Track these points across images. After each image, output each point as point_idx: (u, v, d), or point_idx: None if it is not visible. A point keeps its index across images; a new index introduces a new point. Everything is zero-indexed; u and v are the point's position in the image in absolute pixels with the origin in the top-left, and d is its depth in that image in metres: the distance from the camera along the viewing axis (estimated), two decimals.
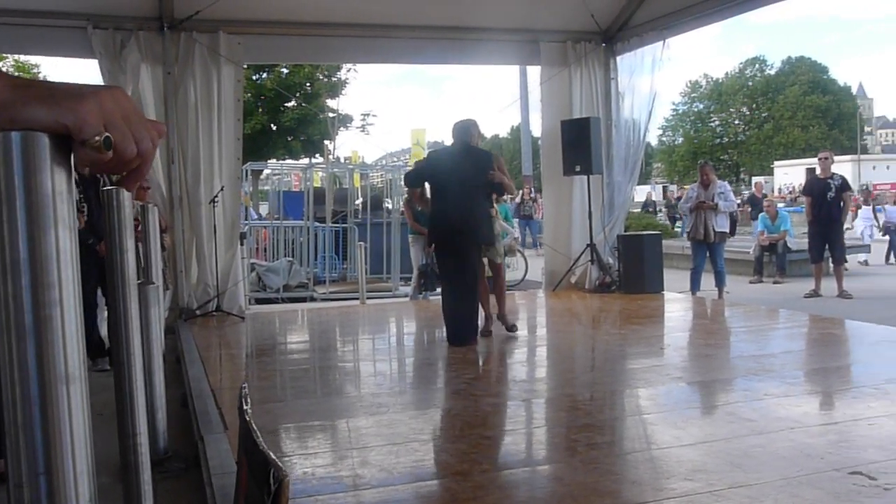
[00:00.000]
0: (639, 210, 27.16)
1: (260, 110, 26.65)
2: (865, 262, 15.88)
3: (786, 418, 4.19)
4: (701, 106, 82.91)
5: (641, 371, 5.77)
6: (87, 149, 0.73)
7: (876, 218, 16.61)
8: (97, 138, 0.73)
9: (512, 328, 7.05)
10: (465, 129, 6.76)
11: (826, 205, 11.01)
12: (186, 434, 4.56)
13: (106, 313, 5.76)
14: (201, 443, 3.98)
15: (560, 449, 3.99)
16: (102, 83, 8.20)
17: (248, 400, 1.23)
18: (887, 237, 16.32)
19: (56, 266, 0.73)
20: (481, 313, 6.95)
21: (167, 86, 8.52)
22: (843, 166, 50.38)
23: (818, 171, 11.42)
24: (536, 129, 11.60)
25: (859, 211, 16.74)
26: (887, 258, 16.08)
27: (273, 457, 0.96)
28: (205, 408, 4.64)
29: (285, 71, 26.59)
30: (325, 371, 6.34)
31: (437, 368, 6.28)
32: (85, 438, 0.77)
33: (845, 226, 15.61)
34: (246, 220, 14.75)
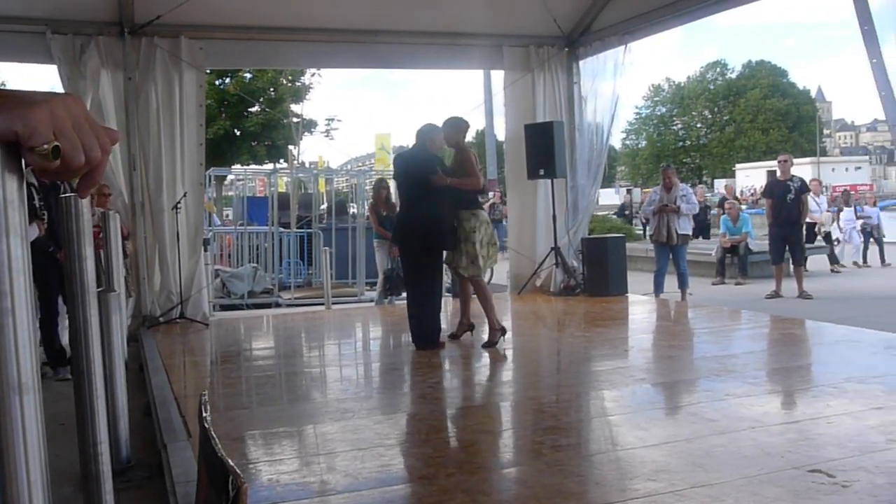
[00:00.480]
0: (606, 213, 27.27)
1: (223, 115, 26.45)
2: (857, 264, 16.09)
3: (747, 418, 4.25)
4: (663, 109, 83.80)
5: (606, 373, 5.82)
6: (35, 156, 0.73)
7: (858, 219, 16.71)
8: (45, 146, 0.73)
9: (489, 344, 6.71)
10: (422, 133, 6.78)
11: (786, 207, 11.17)
12: (150, 443, 4.51)
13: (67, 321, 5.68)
14: (165, 451, 3.94)
15: (525, 451, 4.01)
16: (62, 89, 8.11)
17: (208, 407, 1.23)
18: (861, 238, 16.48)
19: (8, 275, 0.73)
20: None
21: (128, 91, 8.42)
22: (803, 168, 51.15)
23: (778, 174, 11.58)
24: (501, 133, 11.63)
25: (841, 213, 16.75)
26: (864, 259, 16.22)
27: (231, 463, 0.96)
28: (168, 416, 4.60)
29: (248, 76, 26.43)
30: (291, 377, 6.31)
31: (403, 373, 6.28)
32: (39, 449, 0.77)
33: (825, 228, 15.82)
34: (210, 226, 14.63)
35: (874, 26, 6.35)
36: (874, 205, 17.66)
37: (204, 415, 1.18)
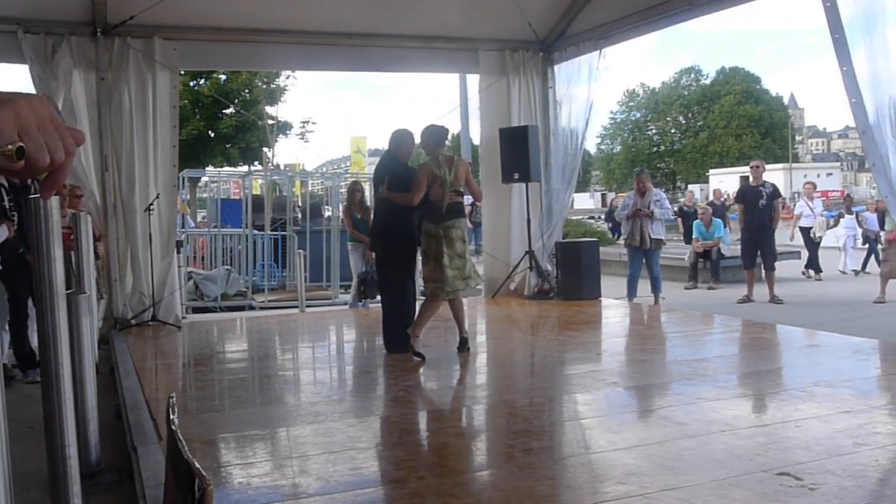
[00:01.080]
0: (581, 217, 27.36)
1: (197, 117, 26.28)
2: (855, 272, 15.11)
3: (717, 421, 4.29)
4: (638, 115, 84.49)
5: (578, 376, 5.85)
6: (0, 157, 0.73)
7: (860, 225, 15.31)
8: (10, 147, 0.72)
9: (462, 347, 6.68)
10: (391, 140, 6.80)
11: (758, 212, 11.27)
12: (120, 446, 4.47)
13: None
14: (134, 454, 3.91)
15: (497, 455, 4.02)
16: (34, 89, 8.03)
17: (176, 410, 1.23)
18: (866, 245, 15.58)
19: None
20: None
21: (100, 92, 8.35)
22: (775, 174, 51.74)
23: (750, 180, 11.70)
24: (477, 137, 11.65)
25: (842, 220, 15.92)
26: (864, 266, 15.30)
27: (197, 465, 0.96)
28: (139, 419, 4.57)
29: (223, 77, 26.29)
30: (264, 380, 6.28)
31: (376, 376, 6.28)
32: (2, 451, 0.77)
33: (819, 233, 14.86)
34: (183, 227, 14.53)
35: (845, 35, 6.44)
36: (874, 211, 15.59)
37: (171, 417, 1.18)
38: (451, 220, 6.42)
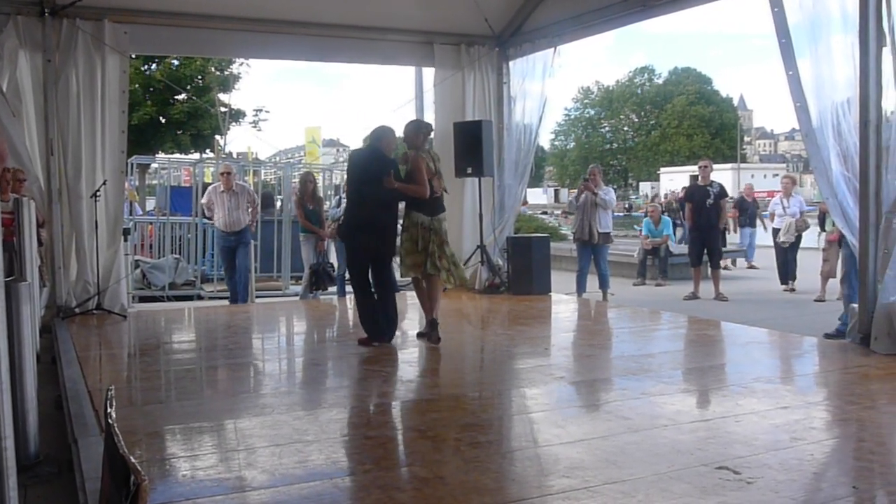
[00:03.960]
0: (533, 212, 27.59)
1: (148, 102, 25.81)
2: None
3: (661, 416, 4.37)
4: (592, 112, 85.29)
5: (527, 371, 5.90)
6: None
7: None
8: None
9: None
10: (377, 136, 6.75)
11: (705, 211, 11.47)
12: (61, 437, 4.39)
13: None
14: (75, 446, 3.85)
15: (444, 448, 4.03)
16: None
17: (114, 402, 1.21)
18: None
19: None
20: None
21: (47, 74, 8.17)
22: (724, 174, 52.59)
23: (699, 179, 11.89)
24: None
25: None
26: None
27: (133, 461, 0.95)
28: (80, 410, 4.49)
29: (176, 63, 25.87)
30: (211, 371, 6.22)
31: (325, 368, 6.26)
32: None
33: (786, 238, 12.40)
34: (131, 215, 14.29)
35: (791, 40, 6.58)
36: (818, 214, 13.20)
37: (109, 410, 1.17)
38: (443, 212, 6.73)
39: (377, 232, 6.60)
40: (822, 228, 10.26)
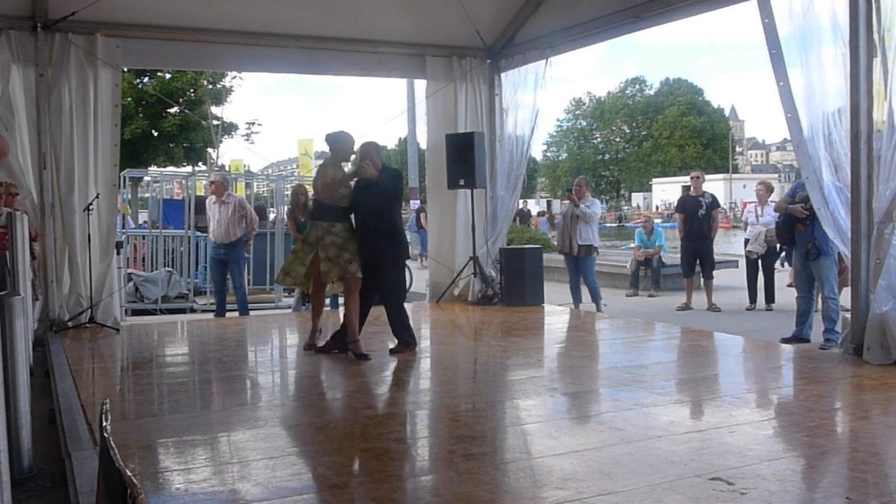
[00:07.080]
0: (526, 224, 27.57)
1: (141, 115, 25.86)
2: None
3: (653, 427, 4.37)
4: (584, 123, 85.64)
5: (520, 382, 5.90)
6: None
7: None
8: None
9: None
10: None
11: (697, 221, 11.49)
12: (54, 451, 4.38)
13: None
14: (69, 460, 3.84)
15: (437, 460, 4.04)
16: None
17: (108, 416, 1.22)
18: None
19: None
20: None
21: (40, 88, 8.17)
22: (715, 185, 52.76)
23: (691, 190, 11.92)
24: (424, 142, 11.67)
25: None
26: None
27: (129, 474, 0.96)
28: (73, 423, 4.48)
29: (168, 76, 25.90)
30: (204, 385, 6.22)
31: (318, 381, 6.25)
32: None
33: (755, 248, 11.64)
34: (123, 228, 14.26)
35: (782, 51, 6.63)
36: None
37: (104, 424, 1.17)
38: (328, 221, 6.86)
39: (400, 239, 6.99)
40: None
